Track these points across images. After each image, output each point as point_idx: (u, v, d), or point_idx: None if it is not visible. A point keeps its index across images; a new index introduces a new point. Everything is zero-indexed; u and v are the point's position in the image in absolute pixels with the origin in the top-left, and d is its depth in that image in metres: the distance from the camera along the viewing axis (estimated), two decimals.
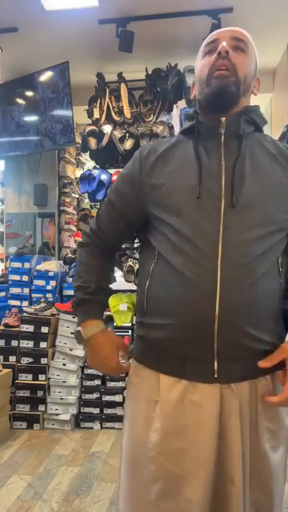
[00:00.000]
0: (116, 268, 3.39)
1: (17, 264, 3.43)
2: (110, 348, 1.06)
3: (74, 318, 3.02)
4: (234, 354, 0.94)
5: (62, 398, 2.92)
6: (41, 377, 2.96)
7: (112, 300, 3.26)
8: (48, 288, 3.31)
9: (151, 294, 1.01)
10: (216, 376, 0.94)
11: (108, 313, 3.20)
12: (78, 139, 3.74)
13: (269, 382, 1.00)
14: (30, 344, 2.99)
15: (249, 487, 0.97)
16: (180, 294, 0.94)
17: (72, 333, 3.00)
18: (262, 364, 0.96)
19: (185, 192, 0.97)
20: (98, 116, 3.37)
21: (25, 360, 2.98)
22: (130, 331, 3.32)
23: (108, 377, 2.95)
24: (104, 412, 2.94)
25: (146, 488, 0.99)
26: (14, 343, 3.02)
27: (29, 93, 3.68)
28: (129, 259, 3.18)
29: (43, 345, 2.98)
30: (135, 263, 3.14)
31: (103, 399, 2.94)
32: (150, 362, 1.02)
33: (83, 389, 2.97)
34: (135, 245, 3.55)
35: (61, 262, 3.63)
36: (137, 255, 3.24)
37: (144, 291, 1.02)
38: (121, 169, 3.24)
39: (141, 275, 1.09)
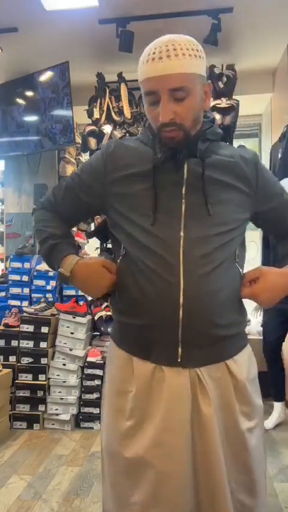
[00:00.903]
0: None
1: (17, 264, 3.43)
2: (93, 267, 1.08)
3: (74, 318, 3.02)
4: (198, 341, 1.01)
5: (62, 398, 2.92)
6: (41, 377, 2.96)
7: None
8: (48, 288, 3.31)
9: (120, 283, 1.07)
10: (179, 360, 1.01)
11: (108, 313, 3.20)
12: (78, 139, 3.74)
13: (235, 364, 1.06)
14: (30, 344, 2.99)
15: (230, 466, 1.02)
16: (147, 285, 1.00)
17: (72, 333, 3.00)
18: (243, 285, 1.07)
19: (144, 196, 1.03)
20: (98, 116, 3.37)
21: (25, 360, 2.98)
22: None
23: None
24: None
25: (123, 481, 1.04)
26: (14, 343, 3.02)
27: (29, 93, 3.68)
28: None
29: (43, 345, 2.98)
30: None
31: None
32: (124, 345, 1.09)
33: (83, 389, 2.97)
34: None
35: None
36: None
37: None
38: None
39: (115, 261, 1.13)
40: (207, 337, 1.02)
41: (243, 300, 1.10)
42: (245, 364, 1.09)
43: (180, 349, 1.00)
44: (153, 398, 1.02)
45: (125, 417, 1.04)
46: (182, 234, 1.00)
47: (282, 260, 1.17)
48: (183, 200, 1.02)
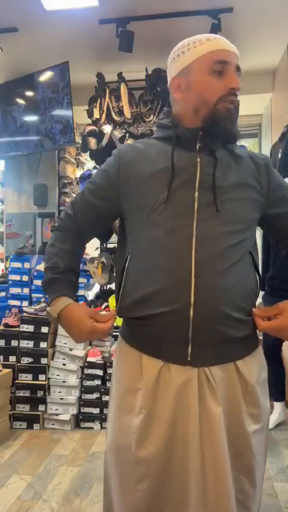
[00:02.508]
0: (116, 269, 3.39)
1: (17, 264, 3.43)
2: (78, 314, 1.07)
3: None
4: (208, 340, 1.01)
5: (62, 398, 2.92)
6: (41, 377, 2.96)
7: (112, 300, 3.26)
8: None
9: (130, 281, 1.08)
10: (189, 359, 1.01)
11: None
12: (78, 139, 3.74)
13: (245, 366, 1.06)
14: (30, 344, 2.99)
15: (232, 466, 1.02)
16: (158, 283, 1.01)
17: None
18: (256, 313, 1.05)
19: (157, 194, 1.04)
20: (98, 116, 3.37)
21: (25, 360, 2.98)
22: None
23: (108, 377, 2.95)
24: (104, 412, 2.93)
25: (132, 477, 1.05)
26: (14, 343, 3.02)
27: (29, 93, 3.68)
28: None
29: (43, 345, 2.98)
30: None
31: (103, 399, 2.93)
32: (133, 342, 1.10)
33: (83, 389, 2.97)
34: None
35: None
36: None
37: (122, 280, 1.10)
38: None
39: (119, 262, 1.14)
40: (217, 337, 1.01)
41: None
42: (256, 366, 1.09)
43: (190, 348, 1.00)
44: (161, 396, 1.02)
45: (134, 414, 1.05)
46: (194, 231, 1.00)
47: None
48: (196, 197, 1.02)
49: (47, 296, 1.14)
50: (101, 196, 1.13)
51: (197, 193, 1.02)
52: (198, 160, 1.04)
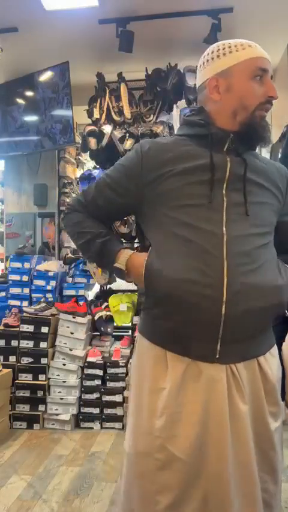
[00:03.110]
0: None
1: (17, 264, 3.43)
2: (143, 259, 1.05)
3: (73, 318, 3.02)
4: (238, 337, 1.01)
5: (62, 398, 2.92)
6: (41, 377, 2.96)
7: (112, 300, 3.26)
8: (48, 288, 3.31)
9: (157, 277, 1.03)
10: (217, 356, 1.00)
11: (108, 313, 3.20)
12: (78, 139, 3.73)
13: (267, 360, 1.08)
14: (30, 344, 2.99)
15: (259, 466, 1.02)
16: (188, 279, 0.98)
17: (72, 333, 3.00)
18: None
19: (196, 195, 1.04)
20: (98, 116, 3.37)
21: (25, 360, 2.98)
22: (130, 331, 3.33)
23: (108, 377, 2.95)
24: (104, 412, 2.94)
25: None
26: (14, 343, 3.02)
27: (29, 93, 3.68)
28: None
29: (43, 345, 2.98)
30: None
31: (103, 399, 2.94)
32: (157, 339, 1.07)
33: (83, 389, 2.97)
34: (135, 245, 3.55)
35: (61, 262, 3.63)
36: None
37: (152, 274, 1.03)
38: None
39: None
40: (245, 334, 1.02)
41: None
42: (275, 364, 1.10)
43: (219, 345, 1.00)
44: (189, 395, 1.01)
45: (156, 416, 1.02)
46: (224, 231, 1.00)
47: None
48: (224, 198, 1.03)
49: (102, 262, 1.14)
50: (117, 190, 1.12)
51: (224, 192, 1.04)
52: (228, 160, 1.05)
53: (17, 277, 3.39)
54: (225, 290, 0.97)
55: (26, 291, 3.36)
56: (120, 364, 2.96)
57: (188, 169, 1.04)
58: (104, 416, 2.94)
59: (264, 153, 4.03)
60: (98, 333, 3.20)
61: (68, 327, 3.02)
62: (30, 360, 2.98)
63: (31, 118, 3.70)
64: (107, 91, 3.39)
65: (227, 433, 0.98)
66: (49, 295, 3.28)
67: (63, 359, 2.99)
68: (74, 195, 4.21)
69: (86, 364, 2.98)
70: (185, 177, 1.04)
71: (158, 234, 1.07)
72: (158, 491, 1.01)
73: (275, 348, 1.13)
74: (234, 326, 0.99)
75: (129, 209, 1.18)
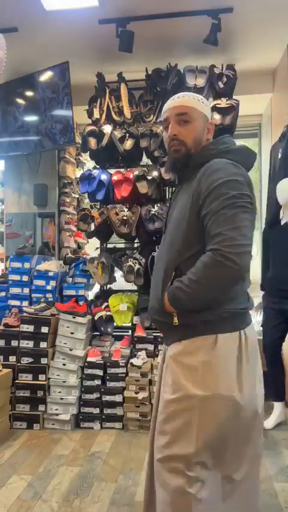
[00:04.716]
0: (115, 269, 3.40)
1: (17, 264, 3.43)
2: None
3: (73, 318, 3.02)
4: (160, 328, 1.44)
5: (62, 398, 2.92)
6: (41, 377, 2.96)
7: (112, 300, 3.26)
8: (48, 288, 3.31)
9: None
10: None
11: (108, 313, 3.20)
12: (78, 139, 3.74)
13: (179, 347, 1.32)
14: (30, 344, 2.99)
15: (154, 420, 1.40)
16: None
17: (72, 333, 3.00)
18: None
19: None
20: (98, 116, 3.37)
21: (25, 360, 2.98)
22: (130, 331, 3.33)
23: (108, 377, 2.95)
24: (104, 412, 2.94)
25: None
26: (14, 343, 3.03)
27: (29, 93, 3.68)
28: (129, 259, 3.18)
29: (43, 345, 2.99)
30: (135, 263, 3.14)
31: (103, 399, 2.94)
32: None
33: (83, 389, 2.97)
34: (135, 245, 3.55)
35: (61, 262, 3.63)
36: (137, 255, 3.24)
37: None
38: (121, 169, 3.30)
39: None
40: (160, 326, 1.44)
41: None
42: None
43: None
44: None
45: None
46: None
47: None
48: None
49: None
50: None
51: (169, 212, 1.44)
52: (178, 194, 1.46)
53: (17, 277, 3.39)
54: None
55: (26, 291, 3.36)
56: (120, 364, 2.96)
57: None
58: (104, 416, 2.94)
59: (264, 153, 4.03)
60: (98, 333, 3.20)
61: (68, 327, 3.03)
62: (30, 360, 2.98)
63: (31, 118, 3.70)
64: (107, 91, 3.39)
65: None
66: (49, 295, 3.29)
67: (63, 359, 2.99)
68: (74, 195, 4.22)
69: (86, 364, 2.98)
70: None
71: None
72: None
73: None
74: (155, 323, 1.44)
75: None
